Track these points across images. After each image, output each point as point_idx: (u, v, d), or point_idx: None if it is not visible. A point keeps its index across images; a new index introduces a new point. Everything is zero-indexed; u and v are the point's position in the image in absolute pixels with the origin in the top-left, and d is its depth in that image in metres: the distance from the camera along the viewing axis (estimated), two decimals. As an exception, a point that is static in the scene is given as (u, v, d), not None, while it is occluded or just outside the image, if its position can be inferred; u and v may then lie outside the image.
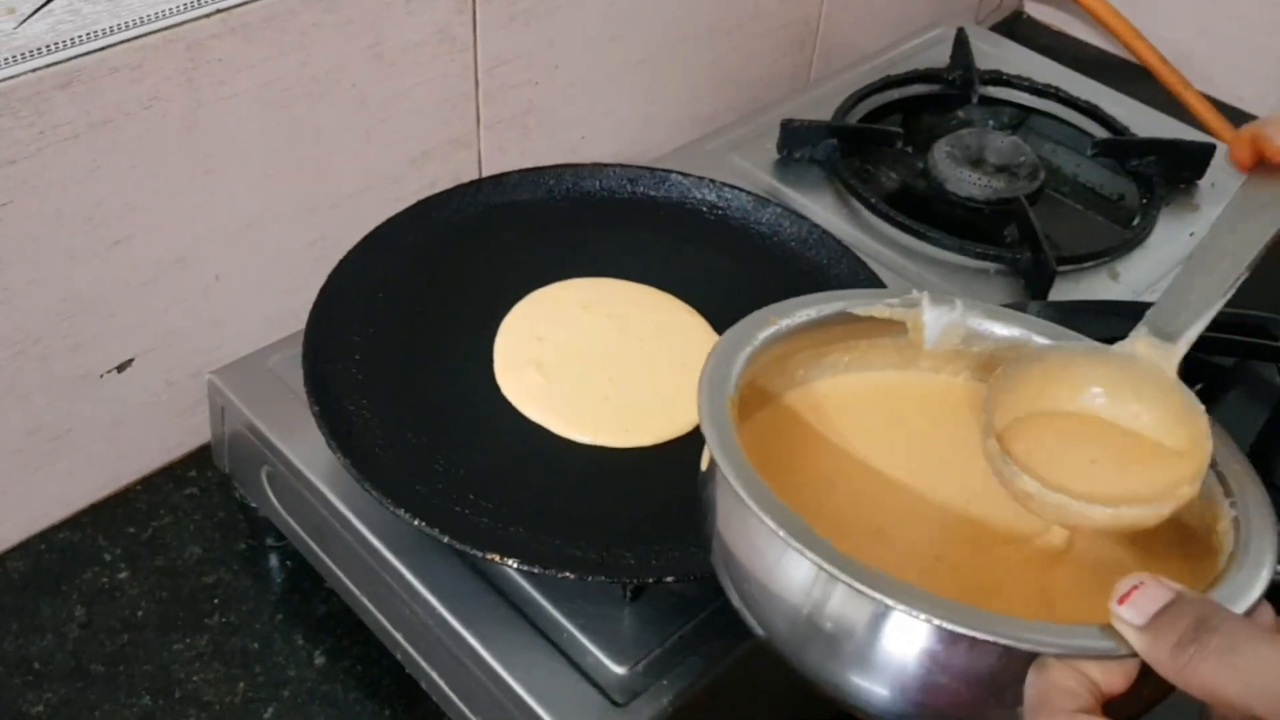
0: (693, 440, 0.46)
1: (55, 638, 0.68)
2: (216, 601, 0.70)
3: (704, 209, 0.76)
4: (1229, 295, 0.47)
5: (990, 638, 0.37)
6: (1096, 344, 0.49)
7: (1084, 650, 0.37)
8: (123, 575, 0.71)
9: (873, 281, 0.70)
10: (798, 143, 0.89)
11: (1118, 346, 0.47)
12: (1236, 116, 1.14)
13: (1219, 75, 1.18)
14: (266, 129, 0.70)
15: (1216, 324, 0.63)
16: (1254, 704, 0.35)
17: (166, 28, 0.63)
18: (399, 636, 0.63)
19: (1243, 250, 0.47)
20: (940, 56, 1.00)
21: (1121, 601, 0.37)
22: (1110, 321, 0.56)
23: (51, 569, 0.71)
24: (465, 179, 0.82)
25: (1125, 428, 0.46)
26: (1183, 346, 0.46)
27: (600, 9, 0.85)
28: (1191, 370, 0.81)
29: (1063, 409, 0.47)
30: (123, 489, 0.76)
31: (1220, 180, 0.89)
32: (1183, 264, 0.48)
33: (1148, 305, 0.48)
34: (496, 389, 0.64)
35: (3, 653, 0.67)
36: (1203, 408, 0.45)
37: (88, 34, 0.60)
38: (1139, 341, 0.47)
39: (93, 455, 0.73)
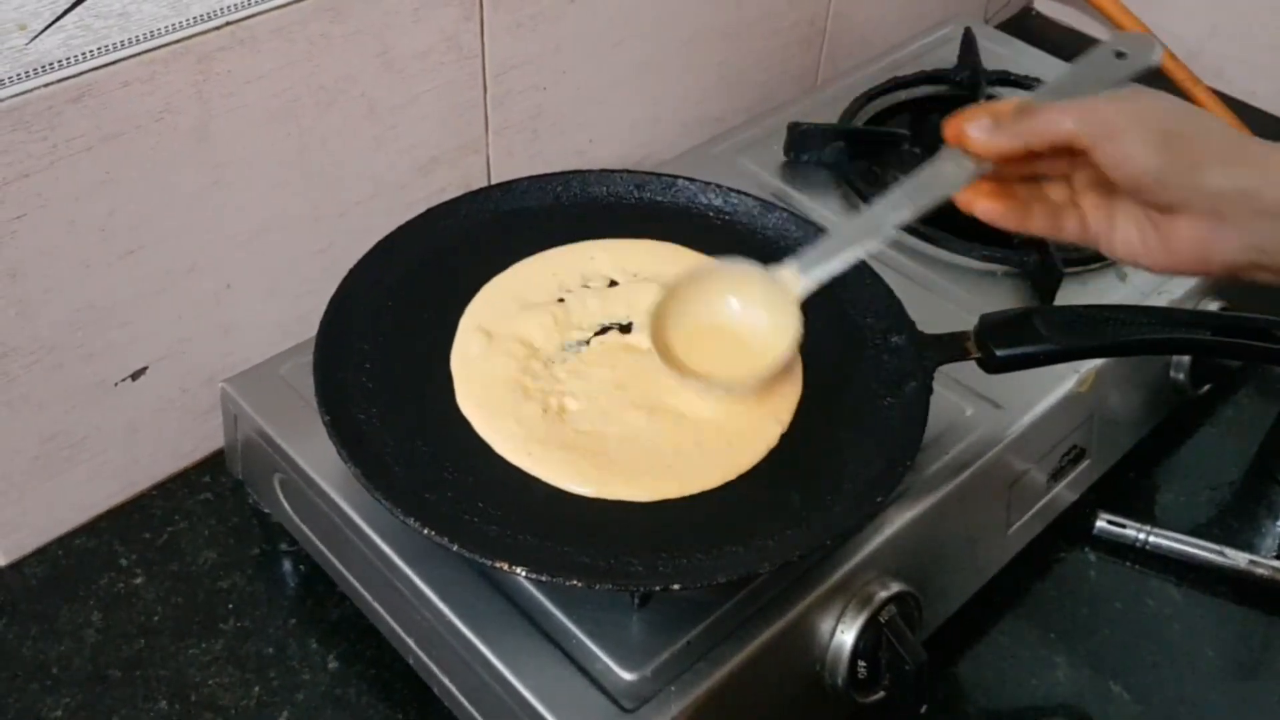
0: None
1: (72, 642, 0.69)
2: (231, 606, 0.71)
3: (711, 214, 0.76)
4: (858, 255, 0.59)
5: None
6: (750, 264, 0.62)
7: (966, 179, 0.55)
8: (139, 580, 0.72)
9: (878, 284, 0.70)
10: (805, 146, 0.89)
11: (771, 268, 0.62)
12: (1247, 113, 1.14)
13: (1229, 71, 1.17)
14: (276, 139, 0.71)
15: (1223, 328, 0.64)
16: (1083, 129, 0.49)
17: (176, 41, 0.63)
18: (410, 642, 0.63)
19: (889, 220, 0.58)
20: (948, 56, 1.00)
21: (964, 131, 0.53)
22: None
23: (68, 574, 0.72)
24: (474, 184, 0.83)
25: (744, 326, 0.63)
26: (810, 281, 0.60)
27: (606, 13, 0.85)
28: (1202, 372, 0.82)
29: (708, 313, 0.64)
30: (138, 495, 0.77)
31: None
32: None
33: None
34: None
35: (21, 657, 0.68)
36: (798, 318, 0.61)
37: (99, 48, 0.61)
38: (785, 269, 0.61)
39: (108, 462, 0.74)
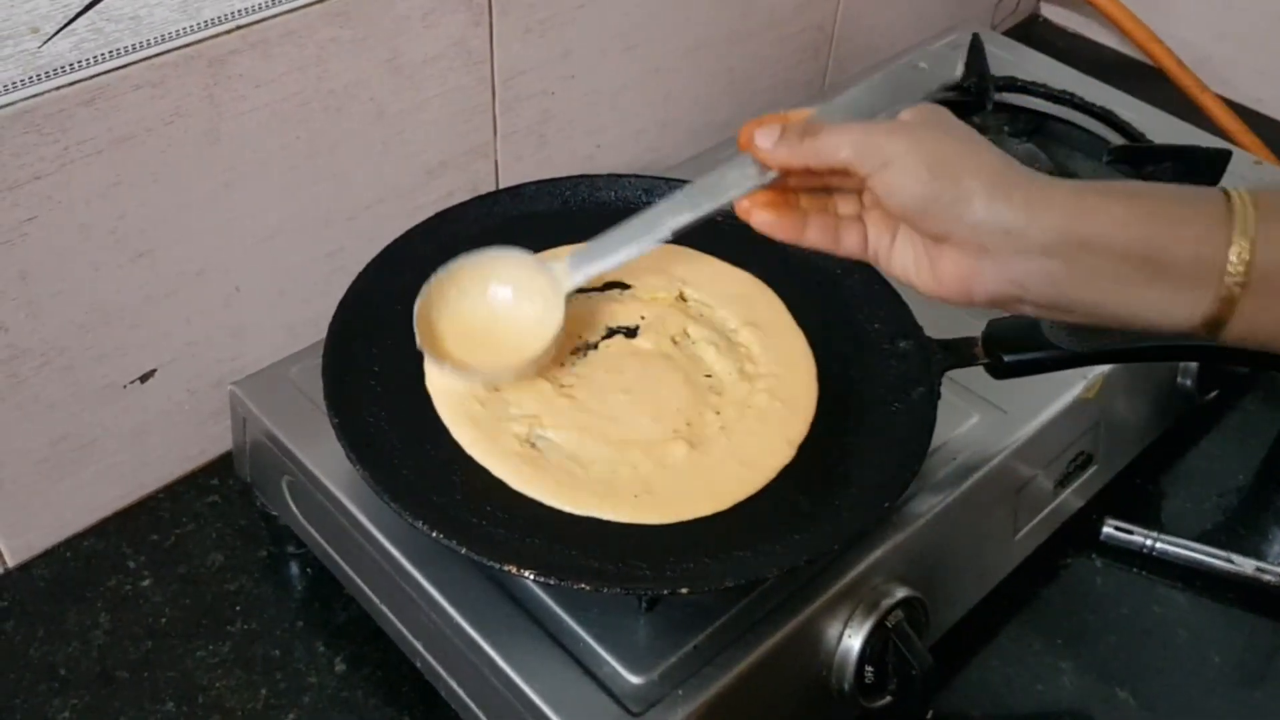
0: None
1: (80, 644, 0.69)
2: (238, 608, 0.71)
3: (718, 218, 0.76)
4: (632, 255, 0.59)
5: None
6: (523, 254, 0.63)
7: (749, 187, 0.55)
8: (146, 582, 0.72)
9: (886, 290, 0.70)
10: (812, 150, 0.89)
11: (543, 254, 0.63)
12: (1254, 119, 1.14)
13: (1236, 78, 1.17)
14: (285, 143, 0.71)
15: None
16: (857, 158, 0.50)
17: (187, 45, 0.64)
18: (418, 644, 0.63)
19: (668, 223, 0.58)
20: (955, 63, 1.00)
21: (753, 138, 0.53)
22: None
23: (76, 576, 0.72)
24: (483, 189, 0.83)
25: (512, 316, 0.63)
26: (579, 276, 0.61)
27: (615, 19, 0.85)
28: (1210, 379, 0.82)
29: (477, 301, 0.64)
30: (146, 497, 0.77)
31: (1237, 185, 0.89)
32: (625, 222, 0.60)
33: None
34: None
35: (29, 659, 0.68)
36: (562, 312, 0.62)
37: (110, 52, 0.61)
38: (559, 262, 0.61)
39: (116, 464, 0.74)
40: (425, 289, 0.63)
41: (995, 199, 0.48)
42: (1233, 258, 0.46)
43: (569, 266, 0.61)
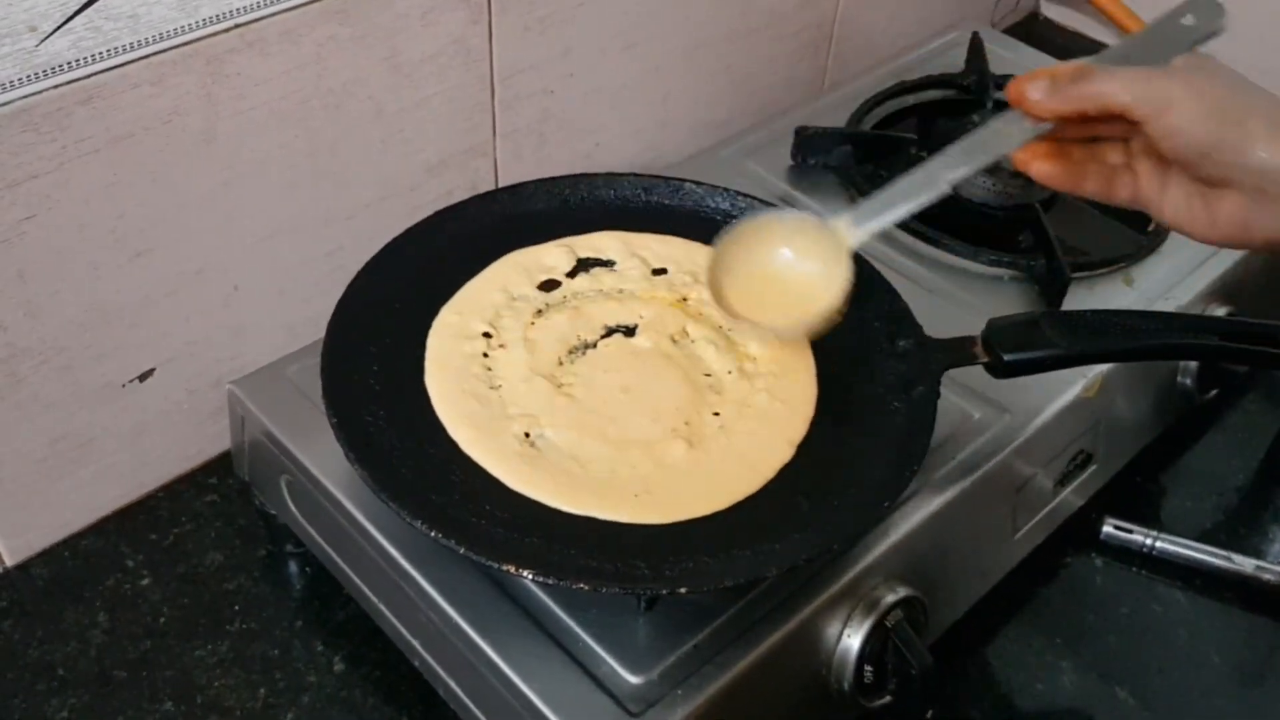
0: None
1: (79, 644, 0.69)
2: (237, 608, 0.71)
3: (718, 218, 0.76)
4: (912, 208, 0.60)
5: None
6: (805, 214, 0.64)
7: (1022, 140, 0.56)
8: (145, 582, 0.72)
9: (885, 289, 0.70)
10: (812, 150, 0.89)
11: (829, 219, 0.62)
12: (1254, 118, 1.13)
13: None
14: (284, 141, 0.71)
15: (1231, 334, 0.63)
16: (1136, 101, 0.51)
17: (185, 43, 0.63)
18: (416, 644, 0.63)
19: (945, 176, 0.59)
20: (955, 61, 1.00)
21: (1024, 92, 0.55)
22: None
23: (75, 575, 0.72)
24: (482, 187, 0.83)
25: (796, 274, 0.64)
26: (863, 232, 0.61)
27: (614, 17, 0.85)
28: (1210, 378, 0.82)
29: (762, 262, 0.65)
30: (145, 496, 0.77)
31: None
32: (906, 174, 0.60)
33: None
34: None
35: (27, 658, 0.68)
36: (849, 268, 0.62)
37: (108, 50, 0.61)
38: (840, 220, 0.62)
39: (115, 463, 0.74)
40: (712, 253, 0.65)
41: (1277, 141, 0.49)
42: None
43: (852, 222, 0.61)
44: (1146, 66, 0.54)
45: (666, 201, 0.77)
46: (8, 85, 0.58)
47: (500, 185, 0.84)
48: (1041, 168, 0.57)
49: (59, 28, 0.59)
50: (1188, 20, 0.58)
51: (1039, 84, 0.55)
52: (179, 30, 0.63)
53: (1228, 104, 0.50)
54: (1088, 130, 0.57)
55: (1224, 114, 0.50)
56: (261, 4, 0.65)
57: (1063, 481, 0.74)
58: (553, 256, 0.72)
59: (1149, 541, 0.75)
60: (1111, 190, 0.57)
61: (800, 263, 0.64)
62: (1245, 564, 0.74)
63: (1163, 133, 0.51)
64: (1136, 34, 0.59)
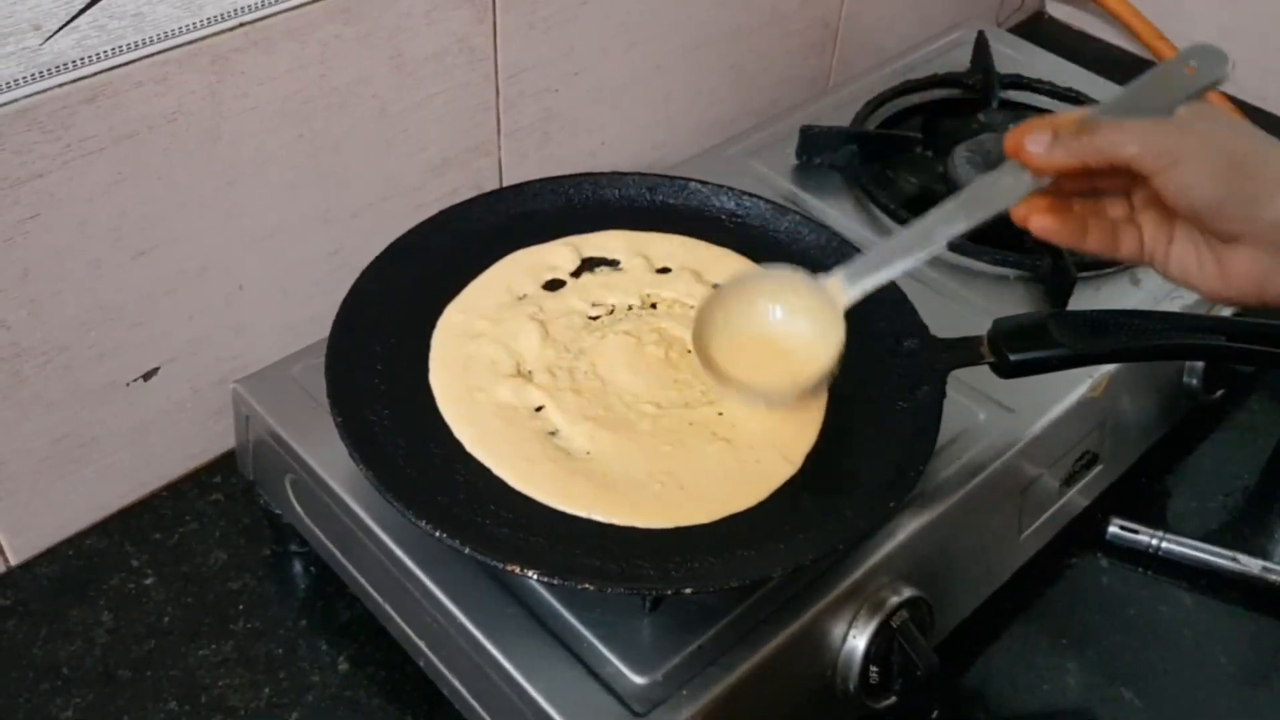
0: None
1: (83, 643, 0.69)
2: (241, 607, 0.71)
3: (723, 217, 0.76)
4: (908, 266, 0.58)
5: None
6: (795, 271, 0.62)
7: (1022, 193, 0.54)
8: (149, 581, 0.72)
9: (891, 288, 0.70)
10: (817, 148, 0.89)
11: (820, 276, 0.60)
12: (1260, 118, 1.13)
13: (1242, 76, 1.17)
14: (288, 140, 0.71)
15: (1237, 334, 0.63)
16: (1145, 155, 0.49)
17: (190, 42, 0.63)
18: (421, 644, 0.63)
19: (942, 232, 0.57)
20: (960, 60, 1.00)
21: (1022, 145, 0.52)
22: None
23: (79, 575, 0.72)
24: (486, 186, 0.83)
25: (786, 335, 0.62)
26: (856, 291, 0.59)
27: (619, 16, 0.85)
28: (1216, 377, 0.82)
29: (751, 320, 0.62)
30: (149, 495, 0.77)
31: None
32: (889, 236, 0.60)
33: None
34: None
35: (31, 658, 0.68)
36: (842, 329, 0.60)
37: (113, 49, 0.61)
38: (832, 279, 0.60)
39: (119, 462, 0.74)
40: (698, 310, 0.63)
41: None
42: None
43: (845, 280, 0.59)
44: (1151, 117, 0.52)
45: (671, 201, 0.77)
46: (12, 84, 0.58)
47: (504, 184, 0.84)
48: (1042, 223, 0.54)
49: (63, 26, 0.59)
50: (1190, 68, 0.55)
51: (1039, 136, 0.52)
52: (183, 29, 0.63)
53: (1239, 156, 0.48)
54: (1087, 184, 0.55)
55: (1236, 166, 0.48)
56: (266, 3, 0.65)
57: (1069, 482, 0.74)
58: (558, 255, 0.72)
59: (1155, 542, 0.75)
60: (1116, 245, 0.55)
61: (792, 322, 0.62)
62: (1251, 565, 0.74)
63: (1172, 186, 0.49)
64: (1137, 82, 0.56)
